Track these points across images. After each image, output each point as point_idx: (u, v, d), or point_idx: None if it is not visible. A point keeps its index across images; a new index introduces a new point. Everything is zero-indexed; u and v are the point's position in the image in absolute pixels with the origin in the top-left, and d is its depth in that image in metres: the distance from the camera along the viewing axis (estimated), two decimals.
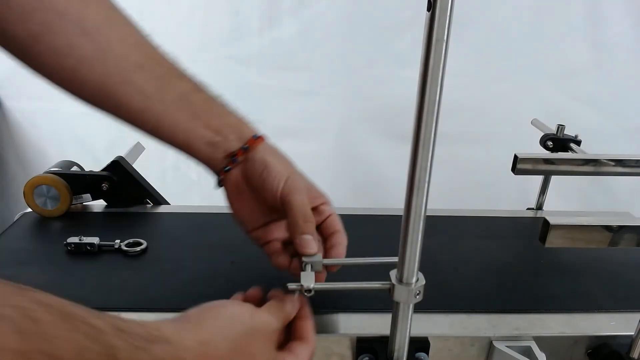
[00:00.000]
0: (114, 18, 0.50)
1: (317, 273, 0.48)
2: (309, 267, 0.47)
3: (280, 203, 0.50)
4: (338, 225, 0.53)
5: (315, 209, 0.52)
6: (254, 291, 0.49)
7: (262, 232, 0.55)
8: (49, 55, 0.47)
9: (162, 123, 0.52)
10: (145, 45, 0.51)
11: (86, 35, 0.48)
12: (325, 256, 0.51)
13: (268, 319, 0.43)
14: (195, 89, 0.52)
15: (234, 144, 0.52)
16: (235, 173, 0.53)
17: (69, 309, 0.29)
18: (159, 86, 0.50)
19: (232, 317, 0.40)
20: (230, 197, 0.55)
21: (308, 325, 0.47)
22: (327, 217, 0.53)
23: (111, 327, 0.30)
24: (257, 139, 0.52)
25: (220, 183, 0.55)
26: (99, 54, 0.48)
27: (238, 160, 0.52)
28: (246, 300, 0.48)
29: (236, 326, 0.39)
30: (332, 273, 0.52)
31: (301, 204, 0.49)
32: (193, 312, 0.39)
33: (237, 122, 0.53)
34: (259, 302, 0.46)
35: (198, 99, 0.52)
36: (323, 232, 0.53)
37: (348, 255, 0.54)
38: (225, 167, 0.53)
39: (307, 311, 0.47)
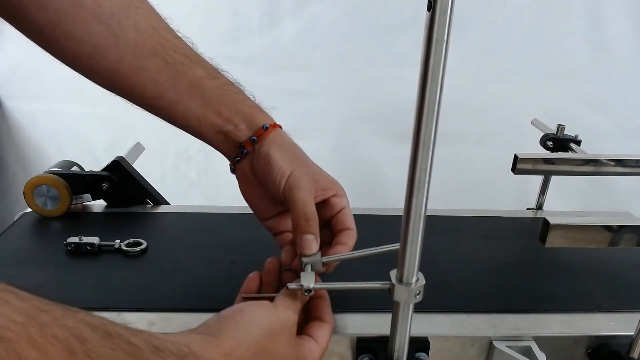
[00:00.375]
0: (130, 4, 0.50)
1: (317, 271, 0.48)
2: (309, 267, 0.47)
3: (284, 200, 0.50)
4: (348, 221, 0.52)
5: (325, 202, 0.52)
6: (269, 264, 0.51)
7: (273, 222, 0.55)
8: (66, 42, 0.48)
9: (175, 110, 0.52)
10: (161, 30, 0.52)
11: (101, 23, 0.48)
12: (328, 253, 0.50)
13: (285, 314, 0.42)
14: (209, 75, 0.52)
15: (244, 134, 0.53)
16: (245, 164, 0.54)
17: (110, 328, 0.31)
18: (172, 73, 0.51)
19: (251, 323, 0.40)
20: (241, 185, 0.55)
21: (325, 304, 0.47)
22: (338, 211, 0.52)
23: (147, 345, 0.32)
24: (266, 129, 0.52)
25: (233, 170, 0.55)
26: (113, 42, 0.49)
27: (246, 152, 0.53)
28: (264, 277, 0.50)
29: (256, 331, 0.40)
30: (333, 273, 0.52)
31: (302, 202, 0.49)
32: (213, 323, 0.39)
33: (248, 110, 0.53)
34: (276, 273, 0.50)
35: (211, 86, 0.52)
36: (333, 227, 0.52)
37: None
38: (235, 157, 0.54)
39: (323, 291, 0.48)
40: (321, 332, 0.45)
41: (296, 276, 0.47)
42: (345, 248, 0.50)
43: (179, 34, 0.53)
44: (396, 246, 0.41)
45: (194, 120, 0.52)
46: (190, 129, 0.53)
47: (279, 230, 0.55)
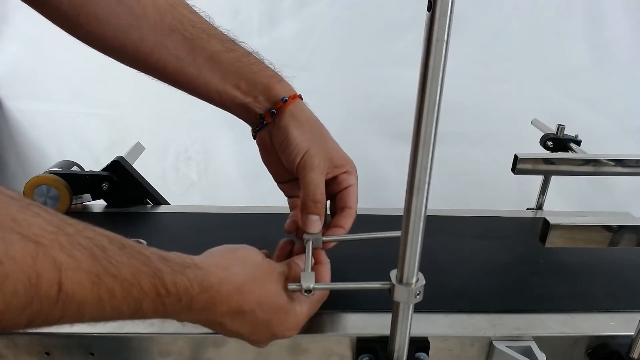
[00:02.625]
0: None
1: (316, 248, 0.51)
2: (309, 266, 0.47)
3: (297, 176, 0.53)
4: (350, 200, 0.55)
5: (335, 178, 0.54)
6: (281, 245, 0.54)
7: (287, 186, 0.58)
8: (89, 25, 0.50)
9: (197, 85, 0.54)
10: (177, 7, 0.53)
11: (121, 3, 0.50)
12: (327, 233, 0.53)
13: (274, 263, 0.47)
14: (226, 48, 0.54)
15: (263, 105, 0.54)
16: (264, 133, 0.56)
17: (124, 241, 0.36)
18: (190, 48, 0.52)
19: (247, 255, 0.45)
20: (261, 151, 0.58)
21: (324, 270, 0.50)
22: (344, 188, 0.55)
23: (156, 256, 0.37)
24: (285, 102, 0.54)
25: (255, 137, 0.57)
26: (134, 21, 0.51)
27: (266, 123, 0.55)
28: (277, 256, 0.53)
29: (250, 260, 0.44)
30: (333, 273, 0.52)
31: (313, 183, 0.51)
32: (214, 250, 0.45)
33: (267, 81, 0.54)
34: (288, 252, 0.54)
35: (228, 58, 0.53)
36: (336, 203, 0.55)
37: (347, 251, 0.54)
38: (255, 127, 0.56)
39: (324, 257, 0.51)
40: (307, 298, 0.47)
41: (303, 250, 0.51)
42: (342, 231, 0.53)
43: (195, 8, 0.55)
44: (397, 233, 0.41)
45: (215, 93, 0.54)
46: (213, 101, 0.55)
47: (291, 194, 0.58)
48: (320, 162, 0.52)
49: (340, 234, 0.53)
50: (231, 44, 0.54)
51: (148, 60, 0.53)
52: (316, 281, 0.44)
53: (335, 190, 0.55)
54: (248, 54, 0.55)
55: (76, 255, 0.31)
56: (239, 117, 0.57)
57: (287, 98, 0.54)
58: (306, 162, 0.52)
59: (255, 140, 0.58)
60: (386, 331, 0.46)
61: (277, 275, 0.45)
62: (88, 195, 0.74)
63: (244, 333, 0.44)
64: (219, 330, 0.43)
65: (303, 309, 0.46)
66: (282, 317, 0.44)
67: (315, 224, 0.51)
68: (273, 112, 0.54)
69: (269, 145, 0.56)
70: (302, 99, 0.56)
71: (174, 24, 0.52)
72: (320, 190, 0.52)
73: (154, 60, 0.53)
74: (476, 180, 1.37)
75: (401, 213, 0.39)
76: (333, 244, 0.53)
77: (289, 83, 0.56)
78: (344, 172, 0.55)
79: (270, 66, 0.56)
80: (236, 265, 0.43)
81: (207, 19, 0.55)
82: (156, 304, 0.36)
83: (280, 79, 0.55)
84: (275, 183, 0.59)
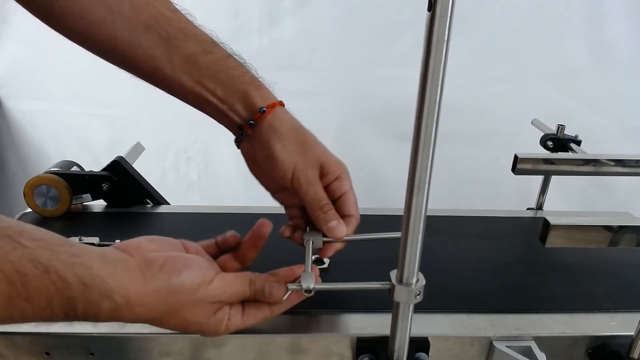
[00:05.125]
0: None
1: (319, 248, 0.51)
2: (309, 266, 0.47)
3: (292, 190, 0.51)
4: (350, 207, 0.53)
5: (328, 187, 0.52)
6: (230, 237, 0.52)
7: (282, 196, 0.55)
8: (64, 18, 0.49)
9: (173, 86, 0.52)
10: (155, 3, 0.51)
11: None
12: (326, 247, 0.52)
13: (217, 291, 0.43)
14: (203, 50, 0.51)
15: (241, 115, 0.52)
16: (246, 145, 0.53)
17: (52, 263, 0.36)
18: (166, 48, 0.50)
19: (182, 288, 0.42)
20: (247, 162, 0.55)
21: (276, 278, 0.46)
22: (340, 196, 0.53)
23: (79, 281, 0.37)
24: (264, 113, 0.51)
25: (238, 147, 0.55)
26: (109, 17, 0.49)
27: (246, 134, 0.53)
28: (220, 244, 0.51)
29: (180, 296, 0.42)
30: (333, 273, 0.52)
31: (314, 197, 0.50)
32: (156, 261, 0.42)
33: (244, 88, 0.52)
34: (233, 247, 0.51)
35: (205, 61, 0.51)
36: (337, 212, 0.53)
37: (347, 254, 0.54)
38: (236, 138, 0.54)
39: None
40: (254, 313, 0.45)
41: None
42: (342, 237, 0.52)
43: (177, 5, 0.53)
44: (397, 234, 0.41)
45: (191, 96, 0.52)
46: (191, 104, 0.53)
47: (288, 204, 0.56)
48: (312, 173, 0.51)
49: (339, 244, 0.52)
50: (209, 46, 0.52)
51: (123, 57, 0.51)
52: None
53: (331, 198, 0.52)
54: (227, 56, 0.52)
55: None
56: (220, 123, 0.54)
57: (265, 109, 0.51)
58: (299, 179, 0.50)
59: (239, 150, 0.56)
60: (386, 331, 0.46)
61: (206, 305, 0.43)
62: (88, 195, 0.74)
63: (183, 330, 0.44)
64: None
65: (230, 328, 0.45)
66: (204, 332, 0.45)
67: (340, 228, 0.50)
68: (251, 123, 0.51)
69: (253, 158, 0.53)
70: (283, 105, 0.53)
71: (150, 21, 0.50)
72: (323, 199, 0.51)
73: (129, 58, 0.51)
74: (476, 181, 1.37)
75: (401, 213, 0.39)
76: (333, 251, 0.53)
77: (269, 89, 0.53)
78: (336, 179, 0.52)
79: (251, 70, 0.53)
80: (157, 301, 0.41)
81: (187, 18, 0.53)
82: (65, 320, 0.38)
83: (259, 86, 0.53)
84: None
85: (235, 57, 0.53)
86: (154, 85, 0.53)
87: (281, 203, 0.56)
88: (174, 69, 0.51)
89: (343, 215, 0.52)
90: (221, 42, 0.53)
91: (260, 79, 0.54)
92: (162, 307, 0.41)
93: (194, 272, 0.43)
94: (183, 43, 0.51)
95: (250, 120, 0.51)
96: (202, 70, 0.51)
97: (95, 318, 0.39)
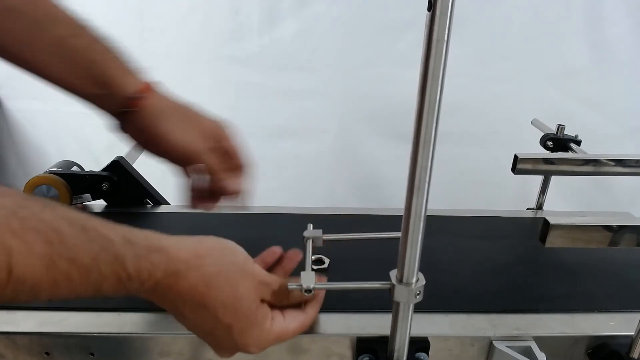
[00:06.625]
0: None
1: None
2: (309, 266, 0.47)
3: (187, 162, 0.56)
4: (238, 157, 0.57)
5: (217, 148, 0.56)
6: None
7: (176, 164, 0.58)
8: None
9: (41, 72, 0.50)
10: None
11: None
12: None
13: (260, 270, 0.44)
14: (73, 34, 0.49)
15: (115, 101, 0.51)
16: (133, 128, 0.54)
17: (87, 222, 0.34)
18: (30, 31, 0.48)
19: (229, 250, 0.42)
20: (136, 142, 0.56)
21: (315, 304, 0.48)
22: (229, 151, 0.57)
23: (121, 238, 0.36)
24: (138, 99, 0.51)
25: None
26: None
27: (125, 121, 0.53)
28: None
29: (229, 256, 0.42)
30: (333, 273, 0.52)
31: (207, 166, 0.55)
32: (201, 237, 0.42)
33: (114, 74, 0.51)
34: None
35: (74, 46, 0.49)
36: (229, 165, 0.58)
37: (347, 254, 0.54)
38: (117, 124, 0.54)
39: (320, 297, 0.49)
40: (294, 315, 0.45)
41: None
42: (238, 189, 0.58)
43: None
44: (397, 234, 0.41)
45: (61, 83, 0.50)
46: (63, 91, 0.52)
47: (183, 170, 0.59)
48: (200, 145, 0.54)
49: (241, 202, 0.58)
50: (79, 29, 0.50)
51: None
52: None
53: (222, 156, 0.56)
54: (96, 40, 0.50)
55: (28, 240, 0.31)
56: (96, 109, 0.53)
57: (136, 96, 0.51)
58: (190, 153, 0.54)
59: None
60: (386, 331, 0.46)
61: (256, 282, 0.42)
62: (88, 195, 0.74)
63: (203, 331, 0.42)
64: (181, 322, 0.42)
65: (274, 329, 0.43)
66: (245, 327, 0.41)
67: (233, 184, 0.56)
68: (129, 109, 0.51)
69: (144, 141, 0.55)
70: (156, 86, 0.53)
71: (13, 3, 0.47)
72: (214, 165, 0.55)
73: None
74: (476, 180, 1.37)
75: (401, 213, 0.39)
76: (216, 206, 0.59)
77: (141, 72, 0.53)
78: (222, 139, 0.56)
79: (122, 55, 0.52)
80: (211, 256, 0.40)
81: (56, 1, 0.50)
82: (117, 286, 0.36)
83: (127, 72, 0.51)
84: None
85: (106, 41, 0.52)
86: (23, 70, 0.51)
87: (177, 169, 0.59)
88: (39, 53, 0.49)
89: (237, 166, 0.57)
90: (92, 26, 0.51)
91: (130, 63, 0.53)
92: (216, 263, 0.40)
93: (240, 250, 0.44)
94: (50, 26, 0.49)
95: (127, 107, 0.51)
96: (71, 55, 0.49)
97: (150, 278, 0.36)
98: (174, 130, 0.52)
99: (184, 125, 0.53)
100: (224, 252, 0.42)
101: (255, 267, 0.44)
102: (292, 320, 0.45)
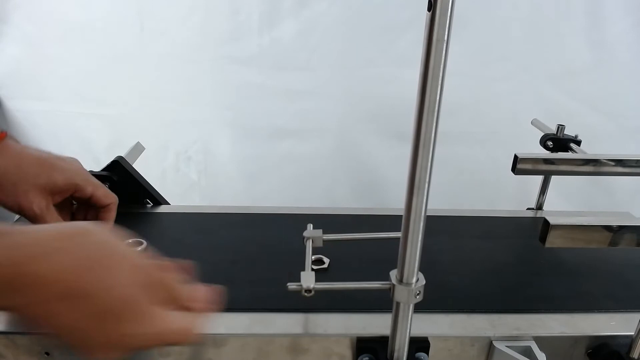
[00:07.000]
0: None
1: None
2: (309, 267, 0.47)
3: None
4: (103, 200, 0.61)
5: (76, 197, 0.59)
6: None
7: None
8: None
9: None
10: None
11: None
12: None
13: (137, 252, 0.40)
14: None
15: None
16: None
17: None
18: None
19: (99, 234, 0.37)
20: None
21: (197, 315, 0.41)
22: (91, 198, 0.61)
23: None
24: None
25: None
26: None
27: None
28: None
29: (98, 240, 0.37)
30: (333, 273, 0.52)
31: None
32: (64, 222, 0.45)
33: None
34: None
35: None
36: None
37: (347, 254, 0.54)
38: None
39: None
40: (181, 315, 0.39)
41: None
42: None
43: None
44: (397, 234, 0.41)
45: None
46: None
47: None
48: (47, 202, 0.57)
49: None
50: None
51: None
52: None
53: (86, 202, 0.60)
54: None
55: None
56: None
57: None
58: (37, 213, 0.56)
59: None
60: (386, 331, 0.46)
61: (131, 264, 0.37)
62: None
63: (70, 326, 0.33)
64: (45, 328, 0.33)
65: (155, 321, 0.37)
66: (121, 315, 0.35)
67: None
68: None
69: None
70: (5, 136, 0.57)
71: None
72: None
73: None
74: (476, 180, 1.37)
75: (401, 213, 0.39)
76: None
77: None
78: (76, 192, 0.60)
79: None
80: (78, 236, 0.34)
81: None
82: None
83: None
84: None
85: None
86: None
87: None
88: None
89: (102, 206, 0.62)
90: None
91: None
92: (84, 245, 0.34)
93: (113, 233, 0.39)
94: None
95: None
96: None
97: None
98: (21, 186, 0.56)
99: (25, 187, 0.56)
100: (89, 235, 0.36)
101: (131, 250, 0.39)
102: (178, 317, 0.39)
